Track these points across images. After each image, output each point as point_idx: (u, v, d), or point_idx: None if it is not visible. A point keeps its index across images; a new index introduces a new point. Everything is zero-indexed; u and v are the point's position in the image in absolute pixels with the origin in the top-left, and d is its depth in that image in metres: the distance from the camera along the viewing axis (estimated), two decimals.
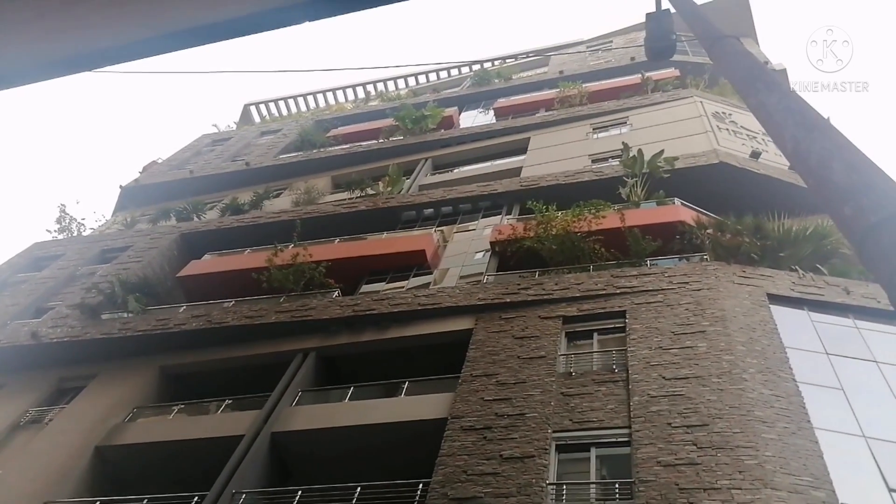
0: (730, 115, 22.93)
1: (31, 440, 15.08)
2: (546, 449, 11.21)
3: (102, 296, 19.48)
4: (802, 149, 2.64)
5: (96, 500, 13.28)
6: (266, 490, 12.99)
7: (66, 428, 15.18)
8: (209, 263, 21.44)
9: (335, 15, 4.71)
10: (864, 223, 2.05)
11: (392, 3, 4.64)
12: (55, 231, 26.66)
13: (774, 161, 19.93)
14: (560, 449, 11.43)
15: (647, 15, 7.92)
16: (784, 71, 27.70)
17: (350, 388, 14.89)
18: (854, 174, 2.26)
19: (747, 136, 21.77)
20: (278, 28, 4.65)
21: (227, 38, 4.52)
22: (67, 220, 27.01)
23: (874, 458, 10.19)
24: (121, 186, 30.44)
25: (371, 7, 4.71)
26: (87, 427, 15.11)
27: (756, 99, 3.33)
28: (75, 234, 26.86)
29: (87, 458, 14.49)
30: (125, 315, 18.87)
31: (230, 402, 15.66)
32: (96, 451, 14.66)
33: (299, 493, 12.27)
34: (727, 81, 25.24)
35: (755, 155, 19.74)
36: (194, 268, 21.14)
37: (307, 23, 4.86)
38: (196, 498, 12.50)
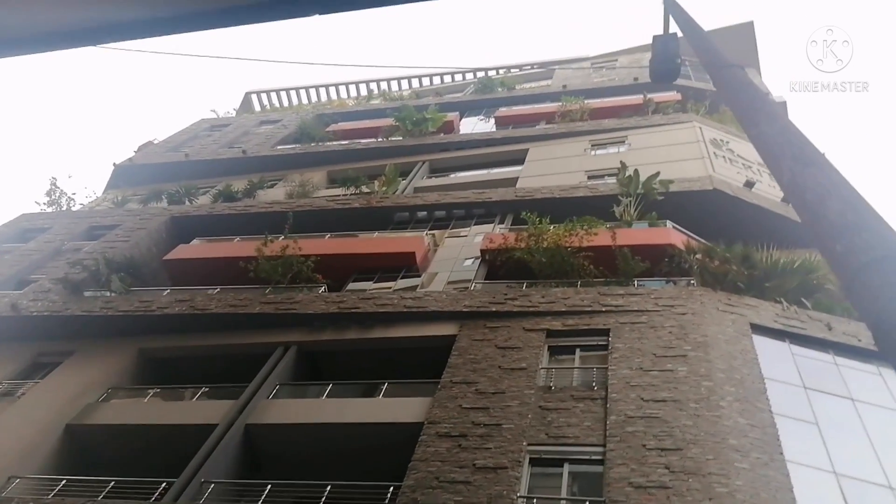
0: (727, 142, 23.10)
1: (2, 413, 14.85)
2: (520, 461, 11.19)
3: (87, 272, 19.29)
4: (799, 182, 2.66)
5: (63, 479, 13.09)
6: (236, 481, 12.89)
7: (38, 403, 14.98)
8: (197, 248, 21.30)
9: (345, 10, 4.70)
10: (854, 262, 2.06)
11: (400, 3, 4.64)
12: (44, 204, 26.43)
13: (767, 192, 20.09)
14: (533, 462, 11.42)
15: (655, 37, 7.98)
16: (784, 104, 27.96)
17: (329, 384, 14.81)
18: (848, 213, 2.27)
19: (743, 164, 21.94)
20: (288, 18, 4.63)
21: (237, 25, 4.49)
22: (57, 194, 26.80)
23: (843, 495, 10.26)
24: (114, 164, 30.21)
25: (379, 6, 4.71)
26: (59, 404, 14.92)
27: (756, 129, 3.35)
28: (64, 208, 26.62)
29: (57, 436, 14.31)
30: (108, 294, 18.68)
31: (206, 390, 15.52)
32: (67, 428, 14.48)
33: (269, 486, 12.17)
34: (728, 109, 25.52)
35: (749, 184, 19.89)
36: (182, 252, 20.98)
37: (317, 15, 4.84)
38: (164, 484, 12.36)
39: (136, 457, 14.08)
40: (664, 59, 7.84)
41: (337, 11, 4.51)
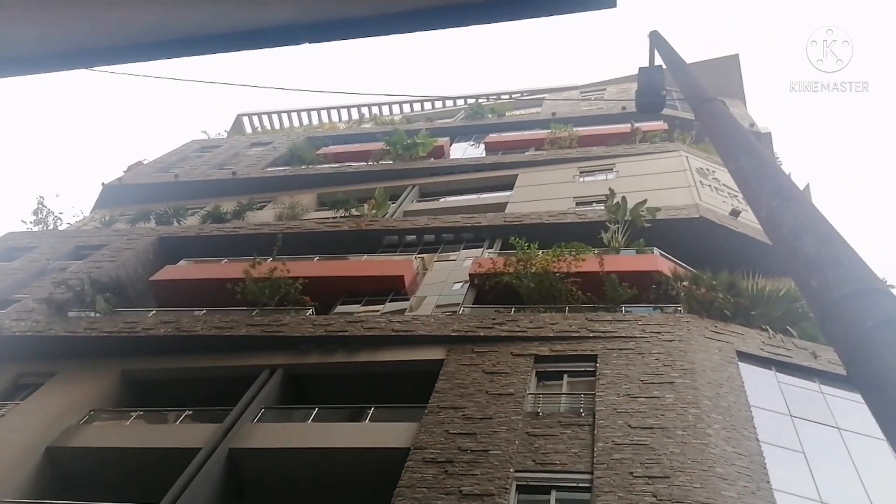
0: (713, 172, 23.41)
1: None
2: (506, 488, 11.10)
3: (71, 293, 19.10)
4: (776, 217, 2.72)
5: (41, 503, 12.83)
6: None
7: (17, 425, 14.73)
8: (184, 270, 21.18)
9: (333, 41, 4.78)
10: (828, 297, 2.11)
11: (389, 34, 4.72)
12: (31, 222, 26.25)
13: (753, 221, 20.31)
14: (520, 489, 11.33)
15: (640, 69, 8.13)
16: (769, 135, 28.41)
17: (314, 409, 14.68)
18: (823, 248, 2.33)
19: (728, 193, 22.22)
20: (279, 46, 4.70)
21: (229, 51, 4.55)
22: (44, 213, 26.62)
23: None
24: (103, 184, 30.10)
25: (366, 37, 4.79)
26: (40, 426, 14.68)
27: (736, 163, 3.43)
28: (51, 227, 26.43)
29: (37, 459, 14.05)
30: (92, 314, 18.50)
31: (190, 413, 15.33)
32: (47, 451, 14.22)
33: None
34: None
35: (735, 213, 20.13)
36: (168, 273, 20.86)
37: (307, 44, 4.92)
38: None
39: (116, 480, 13.83)
40: (650, 92, 7.97)
41: (325, 41, 4.58)
